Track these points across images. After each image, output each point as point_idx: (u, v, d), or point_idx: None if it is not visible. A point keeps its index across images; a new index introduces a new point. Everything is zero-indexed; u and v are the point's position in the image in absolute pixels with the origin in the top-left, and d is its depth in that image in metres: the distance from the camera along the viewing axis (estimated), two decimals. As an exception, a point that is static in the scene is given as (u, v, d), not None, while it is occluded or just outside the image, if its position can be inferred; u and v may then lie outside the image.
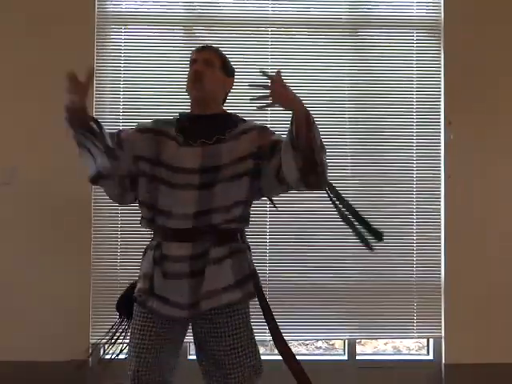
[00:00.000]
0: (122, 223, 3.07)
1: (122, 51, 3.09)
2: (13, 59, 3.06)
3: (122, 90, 3.08)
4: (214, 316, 1.88)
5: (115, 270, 3.06)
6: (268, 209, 3.04)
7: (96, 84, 3.05)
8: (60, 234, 3.02)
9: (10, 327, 3.00)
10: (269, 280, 3.04)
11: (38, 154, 3.02)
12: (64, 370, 2.97)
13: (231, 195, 1.87)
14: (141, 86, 3.08)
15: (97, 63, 3.06)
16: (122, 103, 3.08)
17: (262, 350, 3.24)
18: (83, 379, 2.98)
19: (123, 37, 3.10)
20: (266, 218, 3.06)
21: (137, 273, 3.00)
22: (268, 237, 3.07)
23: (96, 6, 3.07)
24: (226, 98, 2.09)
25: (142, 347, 1.88)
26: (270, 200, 2.10)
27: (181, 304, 1.86)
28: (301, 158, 1.70)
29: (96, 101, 3.06)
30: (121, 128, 2.88)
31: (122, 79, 3.09)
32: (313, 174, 1.74)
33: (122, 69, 3.09)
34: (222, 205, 1.86)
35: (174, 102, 3.03)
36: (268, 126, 2.05)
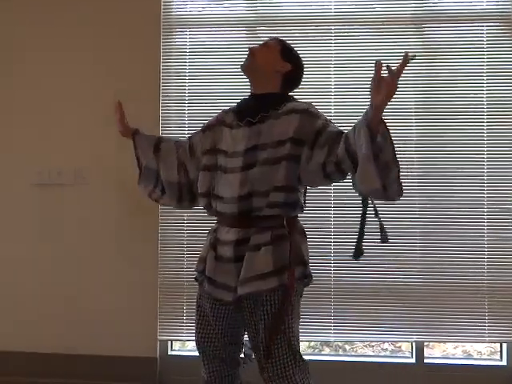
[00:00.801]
0: (187, 223, 3.11)
1: (187, 53, 3.13)
2: (79, 64, 3.16)
3: (187, 92, 3.12)
4: (250, 302, 1.90)
5: (181, 269, 3.10)
6: (332, 208, 3.01)
7: (162, 87, 3.12)
8: (128, 234, 3.10)
9: (83, 324, 3.10)
10: (333, 281, 3.01)
11: (103, 156, 3.12)
12: (134, 365, 3.05)
13: (269, 179, 1.86)
14: (206, 88, 3.11)
15: (162, 66, 3.12)
16: (187, 105, 3.12)
17: (326, 349, 3.26)
18: (153, 375, 3.05)
19: (188, 39, 3.15)
20: (330, 218, 3.02)
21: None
22: (332, 237, 3.03)
23: (162, 10, 3.13)
24: (288, 84, 2.06)
25: (200, 323, 2.10)
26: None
27: (227, 287, 1.91)
28: (384, 172, 1.64)
29: (162, 104, 3.12)
30: (188, 133, 2.98)
31: (187, 81, 3.13)
32: (394, 186, 1.69)
33: (187, 70, 3.13)
34: (261, 189, 1.86)
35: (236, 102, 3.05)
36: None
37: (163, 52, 3.13)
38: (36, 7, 3.19)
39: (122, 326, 3.07)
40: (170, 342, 3.17)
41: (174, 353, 3.18)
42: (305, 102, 2.01)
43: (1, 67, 3.21)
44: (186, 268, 3.09)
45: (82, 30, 3.17)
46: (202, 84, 3.12)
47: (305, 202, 2.06)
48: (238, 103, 2.11)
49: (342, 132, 1.83)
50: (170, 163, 2.15)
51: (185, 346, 3.27)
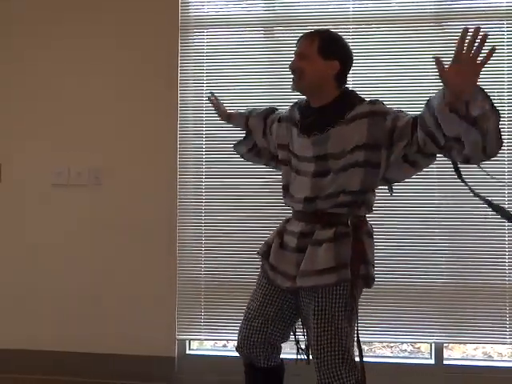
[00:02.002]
0: (205, 222, 3.12)
1: (205, 54, 3.15)
2: (99, 65, 3.20)
3: (204, 91, 3.13)
4: (307, 295, 1.94)
5: (199, 269, 3.12)
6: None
7: (180, 86, 3.14)
8: (146, 234, 3.12)
9: (101, 323, 3.14)
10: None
11: (127, 156, 3.14)
12: (152, 364, 3.07)
13: (340, 184, 1.89)
14: (223, 88, 3.12)
15: (180, 67, 3.14)
16: (204, 105, 3.13)
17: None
18: (170, 374, 3.07)
19: (205, 40, 3.16)
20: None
21: (220, 272, 3.08)
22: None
23: (179, 11, 3.15)
24: (342, 80, 1.99)
25: (253, 300, 2.13)
26: (390, 187, 2.05)
27: (286, 274, 1.97)
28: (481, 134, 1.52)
29: (180, 103, 3.14)
30: (206, 134, 2.99)
31: (204, 81, 3.15)
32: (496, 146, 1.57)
33: (204, 71, 3.15)
34: (329, 192, 1.90)
35: (257, 102, 3.05)
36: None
37: (181, 53, 3.14)
38: (59, 6, 3.24)
39: (140, 326, 3.09)
40: (187, 342, 3.18)
41: (191, 352, 3.19)
42: (369, 101, 1.93)
43: (19, 74, 3.26)
44: (204, 268, 3.11)
45: (101, 31, 3.21)
46: (219, 84, 3.13)
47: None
48: (299, 108, 2.09)
49: (413, 118, 1.78)
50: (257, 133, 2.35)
51: (203, 345, 3.29)
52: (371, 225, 2.04)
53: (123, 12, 3.19)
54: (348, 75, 2.03)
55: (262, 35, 3.14)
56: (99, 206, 3.17)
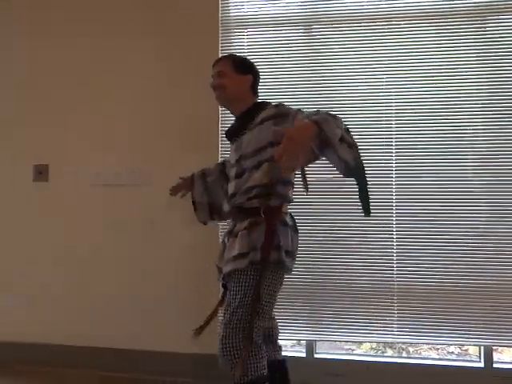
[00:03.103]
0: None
1: (245, 54, 3.15)
2: (140, 66, 3.26)
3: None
4: (230, 280, 2.16)
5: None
6: (394, 207, 2.94)
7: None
8: (190, 234, 3.15)
9: (144, 321, 3.19)
10: (396, 280, 2.93)
11: (167, 157, 3.18)
12: (195, 362, 3.10)
13: (253, 180, 2.14)
14: (264, 87, 3.10)
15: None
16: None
17: (389, 351, 3.19)
18: (214, 372, 3.09)
19: (245, 39, 3.17)
20: (393, 216, 2.95)
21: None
22: (395, 237, 2.96)
23: (220, 11, 3.16)
24: (255, 91, 2.36)
25: None
26: (305, 186, 2.25)
27: (221, 270, 2.25)
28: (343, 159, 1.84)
29: (221, 104, 3.15)
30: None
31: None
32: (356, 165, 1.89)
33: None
34: (245, 188, 2.16)
35: (297, 101, 3.04)
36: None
37: (222, 53, 3.15)
38: (97, 7, 3.32)
39: (181, 324, 3.12)
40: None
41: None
42: (274, 105, 2.23)
43: (58, 78, 3.36)
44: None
45: (142, 31, 3.26)
46: (259, 84, 3.11)
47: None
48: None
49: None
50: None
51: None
52: (293, 216, 2.28)
53: (163, 12, 3.24)
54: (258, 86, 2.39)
55: (301, 33, 3.12)
56: (138, 205, 3.22)
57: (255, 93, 2.38)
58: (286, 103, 2.98)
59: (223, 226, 3.13)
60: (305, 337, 3.06)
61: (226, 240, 2.29)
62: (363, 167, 1.97)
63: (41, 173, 3.35)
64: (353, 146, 1.89)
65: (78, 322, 3.28)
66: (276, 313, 2.72)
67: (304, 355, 3.10)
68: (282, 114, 2.15)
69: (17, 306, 3.36)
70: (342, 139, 1.84)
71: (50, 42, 3.40)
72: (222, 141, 3.15)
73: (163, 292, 3.18)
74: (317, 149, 1.82)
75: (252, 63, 2.40)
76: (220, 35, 3.16)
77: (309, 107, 3.02)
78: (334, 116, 1.90)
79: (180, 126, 3.18)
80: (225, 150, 3.14)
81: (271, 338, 2.39)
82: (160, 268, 3.19)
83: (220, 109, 3.14)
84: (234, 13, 3.18)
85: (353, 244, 2.98)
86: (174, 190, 2.75)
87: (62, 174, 3.34)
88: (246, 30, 3.17)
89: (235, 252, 2.11)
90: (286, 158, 1.72)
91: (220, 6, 3.17)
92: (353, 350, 3.30)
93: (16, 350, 3.33)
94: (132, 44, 3.27)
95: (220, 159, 3.13)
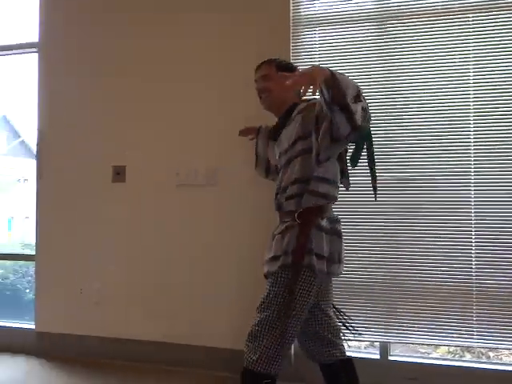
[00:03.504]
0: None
1: (317, 52, 3.13)
2: (210, 67, 3.31)
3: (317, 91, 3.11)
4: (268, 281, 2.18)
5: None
6: (473, 207, 2.83)
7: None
8: (248, 233, 3.15)
9: (208, 319, 3.25)
10: (475, 282, 2.83)
11: (243, 156, 3.21)
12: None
13: (288, 176, 2.17)
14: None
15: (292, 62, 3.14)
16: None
17: (468, 355, 3.08)
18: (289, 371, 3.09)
19: (317, 38, 3.14)
20: (471, 217, 2.85)
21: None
22: (473, 238, 2.85)
23: (291, 10, 3.16)
24: (298, 92, 2.17)
25: None
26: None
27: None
28: (344, 113, 1.90)
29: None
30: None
31: (316, 80, 3.13)
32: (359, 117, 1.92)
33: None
34: (283, 186, 2.21)
35: (371, 101, 2.99)
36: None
37: (293, 53, 3.16)
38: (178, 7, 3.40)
39: (238, 322, 3.15)
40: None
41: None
42: (304, 101, 2.23)
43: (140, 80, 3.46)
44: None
45: (212, 31, 3.31)
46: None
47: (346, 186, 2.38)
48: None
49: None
50: None
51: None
52: (336, 218, 2.24)
53: (235, 13, 3.26)
54: None
55: (374, 30, 3.06)
56: (216, 205, 3.27)
57: (298, 94, 2.24)
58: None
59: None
60: (379, 338, 3.01)
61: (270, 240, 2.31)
62: (370, 132, 2.17)
63: (119, 174, 3.47)
64: (365, 110, 1.96)
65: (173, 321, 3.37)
66: (349, 313, 2.71)
67: (378, 357, 3.05)
68: (309, 105, 2.17)
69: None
70: (356, 99, 1.91)
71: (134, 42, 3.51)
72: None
73: (229, 290, 3.22)
74: (326, 92, 1.89)
75: (295, 66, 2.43)
76: (291, 35, 3.16)
77: (383, 107, 3.00)
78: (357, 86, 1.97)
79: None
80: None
81: (323, 339, 2.29)
82: (229, 266, 3.23)
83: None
84: (304, 11, 3.17)
85: (431, 245, 2.90)
86: (245, 132, 2.75)
87: (139, 175, 3.44)
88: (317, 29, 3.14)
89: (270, 254, 2.18)
90: (294, 80, 1.89)
91: (291, 5, 3.16)
92: (429, 354, 3.22)
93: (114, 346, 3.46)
94: (204, 45, 3.32)
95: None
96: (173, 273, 3.35)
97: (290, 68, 2.35)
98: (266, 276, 2.20)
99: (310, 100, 2.22)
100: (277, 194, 2.26)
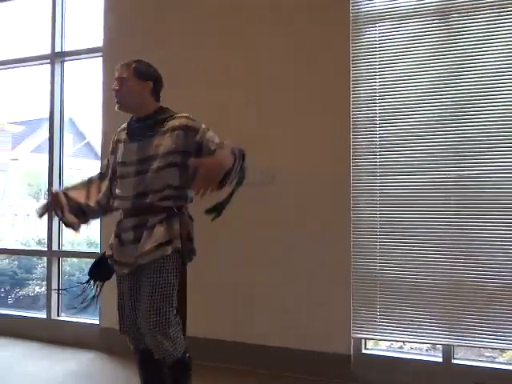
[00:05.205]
0: (380, 220, 3.07)
1: (377, 48, 3.09)
2: (271, 63, 3.31)
3: (377, 86, 3.09)
4: (144, 270, 2.29)
5: (374, 268, 3.07)
6: None
7: (352, 82, 3.13)
8: (320, 231, 3.16)
9: (279, 318, 3.24)
10: None
11: (300, 155, 3.22)
12: (327, 361, 3.10)
13: (163, 180, 2.29)
14: (398, 82, 3.04)
15: (352, 61, 3.13)
16: (378, 100, 3.09)
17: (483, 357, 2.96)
18: (346, 372, 3.07)
19: (377, 34, 3.10)
20: None
21: (396, 269, 2.99)
22: None
23: (350, 7, 3.14)
24: (157, 96, 2.42)
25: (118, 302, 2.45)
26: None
27: (128, 264, 2.33)
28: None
29: (352, 101, 3.13)
30: (380, 131, 2.93)
31: (377, 78, 3.09)
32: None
33: (377, 67, 3.09)
34: (156, 188, 2.29)
35: (432, 93, 2.94)
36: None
37: (353, 50, 3.13)
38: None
39: (316, 322, 3.14)
40: (363, 341, 3.15)
41: (367, 351, 3.15)
42: (183, 116, 2.35)
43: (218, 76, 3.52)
44: (379, 266, 3.05)
45: (270, 30, 3.32)
46: (394, 80, 3.06)
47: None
48: (128, 123, 2.47)
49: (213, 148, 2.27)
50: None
51: (378, 345, 3.23)
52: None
53: (293, 9, 3.26)
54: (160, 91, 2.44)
55: (437, 25, 2.98)
56: (274, 204, 3.27)
57: (157, 95, 2.44)
58: (423, 100, 2.95)
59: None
60: (441, 341, 2.93)
61: (126, 236, 2.34)
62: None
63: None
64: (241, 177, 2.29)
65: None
66: (409, 314, 2.66)
67: (440, 360, 2.96)
68: (193, 128, 2.31)
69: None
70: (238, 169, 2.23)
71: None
72: (353, 138, 3.12)
73: (302, 289, 3.19)
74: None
75: (153, 68, 2.44)
76: (351, 31, 3.13)
77: (447, 104, 2.94)
78: (239, 150, 2.24)
79: (312, 125, 3.19)
80: (357, 148, 3.11)
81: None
82: (298, 266, 3.21)
83: (351, 106, 3.11)
84: (364, 7, 3.13)
85: (496, 249, 2.82)
86: (42, 212, 2.54)
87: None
88: (377, 25, 3.10)
89: (157, 241, 2.25)
90: (203, 186, 2.08)
91: (350, 1, 3.14)
92: (495, 358, 3.10)
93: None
94: (261, 43, 3.34)
95: (351, 156, 3.11)
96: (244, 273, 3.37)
97: (145, 75, 2.38)
98: (144, 265, 2.30)
99: (187, 117, 2.35)
100: (145, 193, 2.30)
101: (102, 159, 3.79)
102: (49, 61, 4.18)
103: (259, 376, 3.18)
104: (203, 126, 2.34)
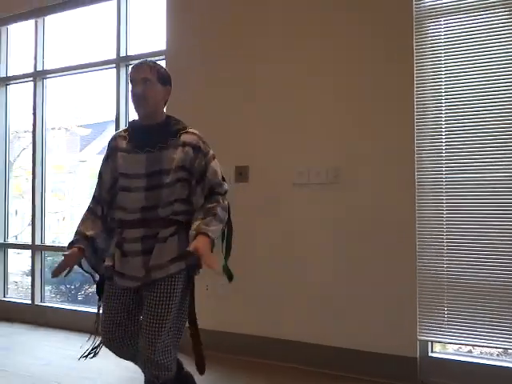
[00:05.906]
0: (447, 220, 2.98)
1: (442, 43, 3.00)
2: (332, 64, 3.29)
3: (443, 81, 3.01)
4: (154, 285, 2.18)
5: (441, 269, 2.99)
6: None
7: (416, 78, 3.06)
8: (384, 233, 3.11)
9: (344, 319, 3.21)
10: None
11: (364, 154, 3.18)
12: (392, 363, 3.05)
13: (176, 194, 2.21)
14: (463, 78, 2.95)
15: (416, 56, 3.06)
16: (444, 96, 3.01)
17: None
18: (412, 375, 3.01)
19: (442, 28, 3.01)
20: None
21: (464, 272, 2.90)
22: None
23: (413, 2, 3.07)
24: (166, 102, 2.32)
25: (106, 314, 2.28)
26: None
27: (135, 277, 2.19)
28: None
29: (417, 95, 3.06)
30: (446, 128, 2.85)
31: (443, 71, 3.01)
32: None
33: (442, 63, 3.01)
34: (167, 201, 2.19)
35: (502, 90, 2.83)
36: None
37: (416, 46, 3.06)
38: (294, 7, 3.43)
39: (382, 324, 3.09)
40: (430, 343, 3.07)
41: (434, 355, 3.07)
42: (195, 133, 2.27)
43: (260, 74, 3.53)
44: (447, 268, 2.97)
45: (332, 30, 3.30)
46: (460, 76, 2.97)
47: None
48: (131, 132, 2.31)
49: (218, 193, 2.25)
50: None
51: (445, 348, 3.14)
52: None
53: (355, 10, 3.23)
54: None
55: (505, 18, 2.86)
56: (337, 204, 3.25)
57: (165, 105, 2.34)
58: (488, 96, 2.88)
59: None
60: (513, 345, 2.83)
61: (131, 247, 2.19)
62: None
63: (241, 174, 3.56)
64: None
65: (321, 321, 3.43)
66: (479, 316, 2.56)
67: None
68: (202, 150, 2.24)
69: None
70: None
71: (252, 41, 3.59)
72: (417, 137, 3.05)
73: (368, 291, 3.16)
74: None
75: (169, 73, 2.32)
76: (414, 26, 3.06)
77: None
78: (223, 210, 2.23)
79: (376, 125, 3.15)
80: (420, 148, 3.04)
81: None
82: (363, 267, 3.19)
83: (416, 101, 3.04)
84: (428, 2, 3.05)
85: None
86: (59, 271, 2.22)
87: (262, 175, 3.50)
88: (442, 19, 3.01)
89: (170, 256, 2.18)
90: (208, 262, 2.05)
91: (414, -4, 3.07)
92: None
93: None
94: (323, 43, 3.31)
95: (416, 155, 3.03)
96: (294, 273, 3.36)
97: (166, 80, 2.26)
98: (157, 280, 2.21)
99: (198, 135, 2.27)
100: (156, 206, 2.19)
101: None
102: (114, 65, 4.31)
103: (322, 376, 3.16)
104: (211, 152, 2.27)
